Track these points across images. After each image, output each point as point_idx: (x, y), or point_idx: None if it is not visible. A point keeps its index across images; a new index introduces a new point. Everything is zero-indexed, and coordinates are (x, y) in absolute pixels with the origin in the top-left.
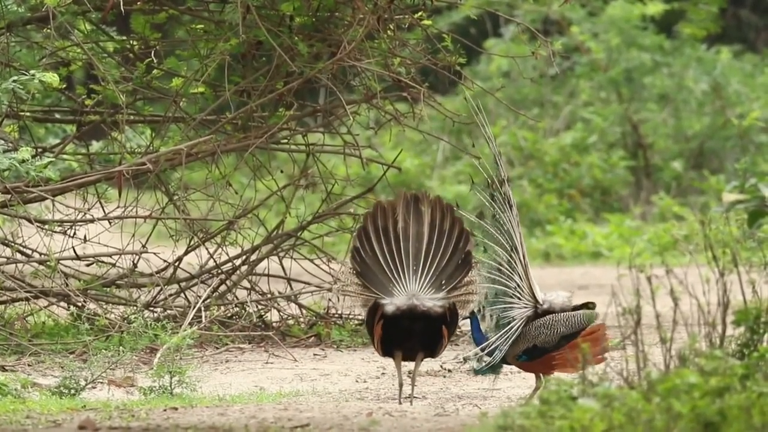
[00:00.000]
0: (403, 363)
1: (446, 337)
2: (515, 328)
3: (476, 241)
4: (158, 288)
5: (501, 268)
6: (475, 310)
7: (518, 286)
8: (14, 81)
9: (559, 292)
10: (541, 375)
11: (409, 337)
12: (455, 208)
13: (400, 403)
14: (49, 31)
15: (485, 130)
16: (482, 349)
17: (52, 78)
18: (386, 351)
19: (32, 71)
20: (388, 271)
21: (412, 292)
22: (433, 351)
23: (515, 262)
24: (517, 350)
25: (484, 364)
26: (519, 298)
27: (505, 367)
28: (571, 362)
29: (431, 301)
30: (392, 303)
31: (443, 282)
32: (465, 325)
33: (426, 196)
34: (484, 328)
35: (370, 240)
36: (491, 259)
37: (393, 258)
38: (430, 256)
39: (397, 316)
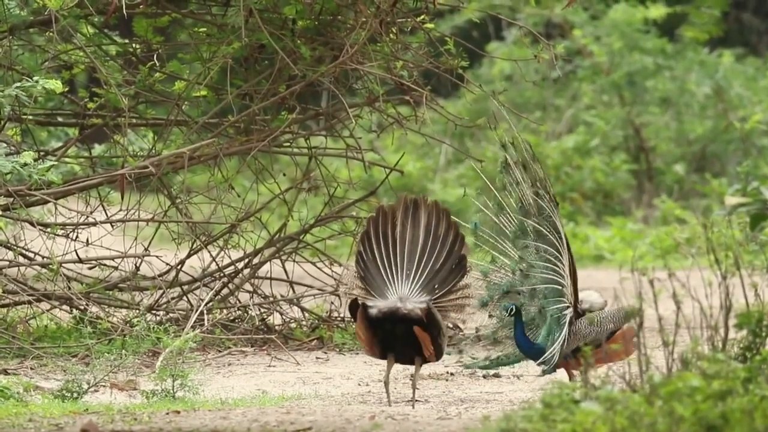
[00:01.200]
0: (404, 366)
1: (426, 339)
2: (566, 328)
3: (525, 243)
4: (161, 291)
5: (556, 267)
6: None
7: (566, 285)
8: (17, 87)
9: (591, 293)
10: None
11: (394, 339)
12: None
13: (389, 404)
14: (51, 34)
15: (518, 137)
16: (544, 360)
17: (56, 85)
18: (381, 354)
19: (35, 77)
20: (384, 275)
21: (403, 295)
22: (428, 355)
23: (563, 262)
24: (567, 350)
25: (552, 365)
26: (567, 298)
27: (507, 371)
28: (611, 357)
29: (413, 303)
30: (375, 306)
31: (436, 286)
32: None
33: (424, 201)
34: (537, 328)
35: (371, 244)
36: (543, 259)
37: (389, 261)
38: (424, 260)
39: (379, 318)
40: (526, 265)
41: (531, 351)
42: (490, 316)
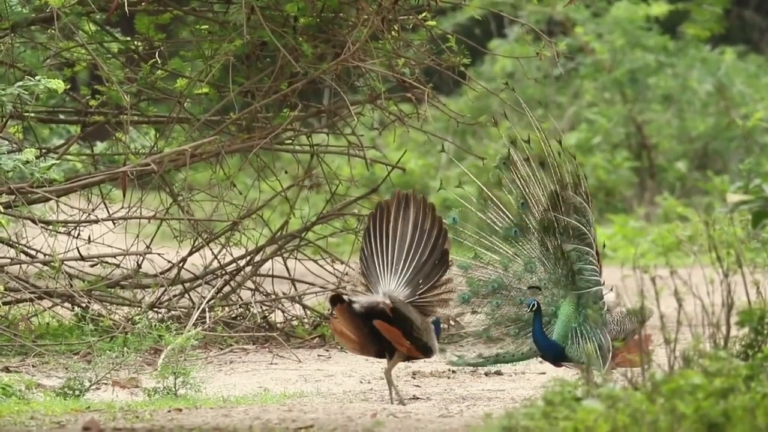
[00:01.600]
0: (405, 364)
1: (394, 334)
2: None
3: (571, 246)
4: (162, 289)
5: (596, 266)
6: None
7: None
8: (20, 86)
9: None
10: None
11: (374, 334)
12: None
13: (391, 402)
14: (53, 31)
15: (543, 135)
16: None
17: (58, 84)
18: (377, 352)
19: (38, 77)
20: (378, 270)
21: (388, 290)
22: (405, 350)
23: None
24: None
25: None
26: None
27: (509, 369)
28: (630, 358)
29: (387, 298)
30: (357, 302)
31: (421, 281)
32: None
33: (413, 196)
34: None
35: (369, 240)
36: (586, 262)
37: (382, 257)
38: (410, 255)
39: (362, 314)
40: (579, 266)
41: (548, 348)
42: (474, 312)
